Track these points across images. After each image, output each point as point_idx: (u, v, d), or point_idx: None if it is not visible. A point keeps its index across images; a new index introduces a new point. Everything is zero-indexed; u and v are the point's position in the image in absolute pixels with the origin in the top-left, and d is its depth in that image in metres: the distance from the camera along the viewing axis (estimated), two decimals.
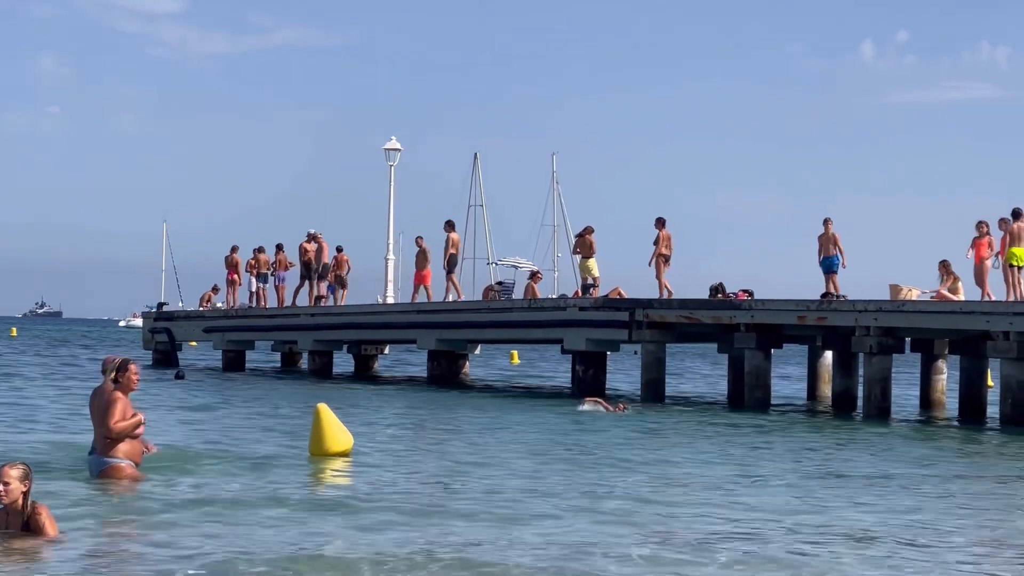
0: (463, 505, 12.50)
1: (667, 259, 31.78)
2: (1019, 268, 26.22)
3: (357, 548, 9.97)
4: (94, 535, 10.35)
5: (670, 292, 31.53)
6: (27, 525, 9.70)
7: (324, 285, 39.15)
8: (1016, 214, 26.40)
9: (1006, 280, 26.48)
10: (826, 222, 29.85)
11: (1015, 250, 26.19)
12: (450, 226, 36.74)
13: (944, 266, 28.11)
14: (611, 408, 25.79)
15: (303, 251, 39.25)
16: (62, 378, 36.09)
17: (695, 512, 12.37)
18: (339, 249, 39.58)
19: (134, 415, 13.04)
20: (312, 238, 39.04)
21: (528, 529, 11.11)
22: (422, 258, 36.76)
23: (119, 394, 12.99)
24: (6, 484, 9.60)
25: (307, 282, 39.30)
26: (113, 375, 13.07)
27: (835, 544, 10.73)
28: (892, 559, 10.20)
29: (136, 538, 10.37)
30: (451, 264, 36.66)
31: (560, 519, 11.75)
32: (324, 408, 16.19)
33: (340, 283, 39.25)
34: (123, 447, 13.10)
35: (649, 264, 31.83)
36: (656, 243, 31.73)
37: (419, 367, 42.09)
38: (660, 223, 31.90)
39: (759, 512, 12.43)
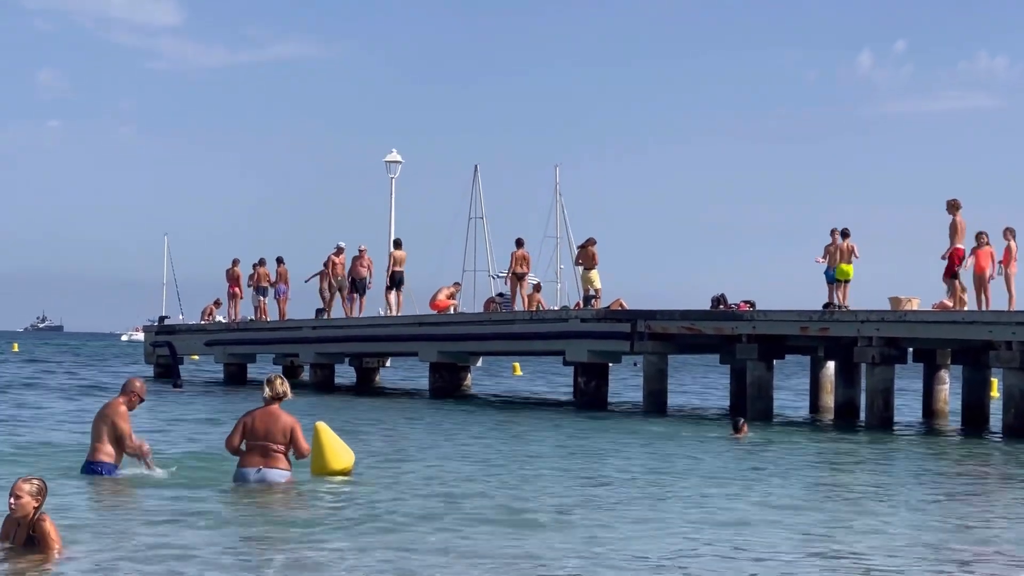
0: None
1: (521, 277, 34.82)
2: (845, 283, 29.03)
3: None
4: (94, 548, 10.30)
5: (524, 304, 34.46)
6: (31, 536, 9.72)
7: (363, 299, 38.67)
8: (844, 234, 29.13)
9: (1008, 286, 26.73)
10: (833, 232, 29.77)
11: (843, 266, 28.93)
12: (396, 244, 37.72)
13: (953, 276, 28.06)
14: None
15: (332, 263, 38.51)
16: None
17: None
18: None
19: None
20: (361, 253, 38.32)
21: None
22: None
23: (294, 417, 14.03)
24: (17, 497, 9.69)
25: (353, 295, 38.67)
26: (280, 393, 13.85)
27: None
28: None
29: (136, 552, 10.33)
30: (395, 281, 37.43)
31: None
32: (323, 426, 16.12)
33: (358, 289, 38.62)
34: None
35: (505, 282, 35.85)
36: (511, 262, 34.82)
37: (421, 379, 42.03)
38: (518, 243, 34.98)
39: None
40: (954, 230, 26.98)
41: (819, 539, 11.48)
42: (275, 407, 13.76)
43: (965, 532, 12.27)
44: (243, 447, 13.87)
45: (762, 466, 17.97)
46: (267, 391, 13.79)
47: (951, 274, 27.08)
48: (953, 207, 27.10)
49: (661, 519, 12.54)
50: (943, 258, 27.20)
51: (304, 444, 13.91)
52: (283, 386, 13.82)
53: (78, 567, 9.47)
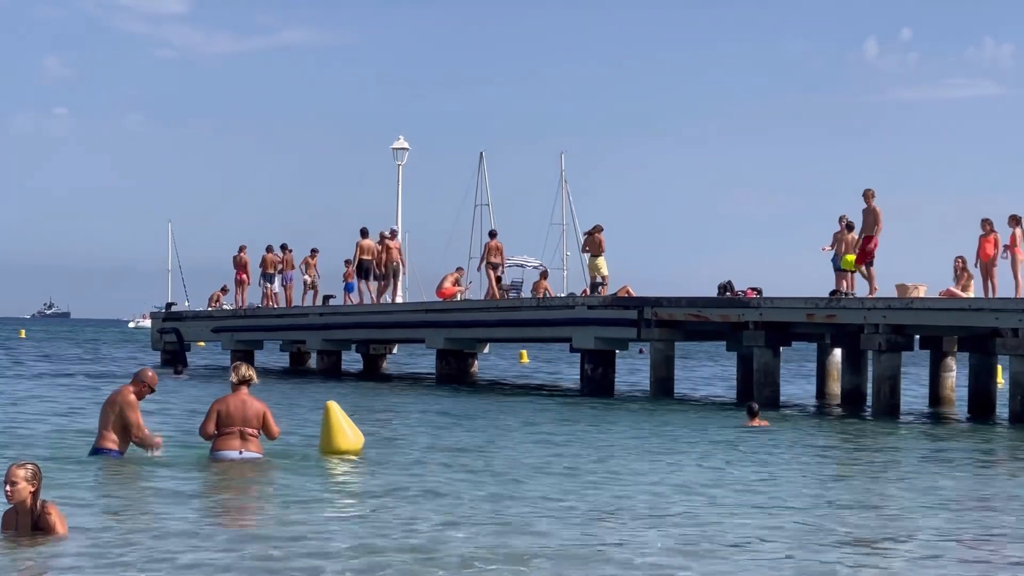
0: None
1: (495, 267, 35.92)
2: (852, 272, 28.99)
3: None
4: (102, 533, 10.33)
5: (494, 293, 35.47)
6: (37, 525, 9.72)
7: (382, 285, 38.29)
8: (849, 227, 29.01)
9: (1014, 273, 26.64)
10: (842, 219, 29.72)
11: (848, 257, 28.86)
12: (362, 234, 37.82)
13: (960, 263, 28.07)
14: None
15: (387, 248, 37.75)
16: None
17: None
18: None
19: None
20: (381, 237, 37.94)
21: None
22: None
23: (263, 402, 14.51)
24: (12, 484, 9.65)
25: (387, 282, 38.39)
26: (246, 378, 14.29)
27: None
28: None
29: (140, 534, 10.36)
30: (361, 270, 37.72)
31: None
32: (333, 406, 16.17)
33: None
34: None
35: (478, 270, 37.29)
36: (484, 252, 36.19)
37: (428, 366, 42.03)
38: (491, 234, 36.58)
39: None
40: (875, 218, 27.46)
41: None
42: (244, 392, 14.09)
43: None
44: (215, 433, 14.12)
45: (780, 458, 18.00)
46: (234, 376, 14.21)
47: (865, 261, 27.80)
48: (871, 195, 27.52)
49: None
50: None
51: (275, 427, 14.31)
52: (249, 371, 14.24)
53: (80, 552, 9.45)
